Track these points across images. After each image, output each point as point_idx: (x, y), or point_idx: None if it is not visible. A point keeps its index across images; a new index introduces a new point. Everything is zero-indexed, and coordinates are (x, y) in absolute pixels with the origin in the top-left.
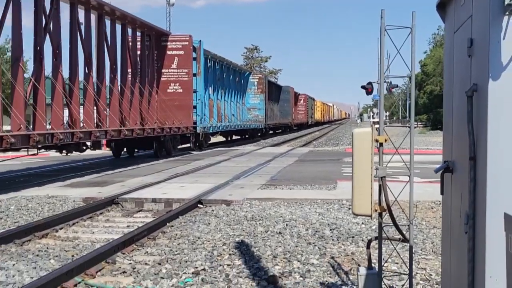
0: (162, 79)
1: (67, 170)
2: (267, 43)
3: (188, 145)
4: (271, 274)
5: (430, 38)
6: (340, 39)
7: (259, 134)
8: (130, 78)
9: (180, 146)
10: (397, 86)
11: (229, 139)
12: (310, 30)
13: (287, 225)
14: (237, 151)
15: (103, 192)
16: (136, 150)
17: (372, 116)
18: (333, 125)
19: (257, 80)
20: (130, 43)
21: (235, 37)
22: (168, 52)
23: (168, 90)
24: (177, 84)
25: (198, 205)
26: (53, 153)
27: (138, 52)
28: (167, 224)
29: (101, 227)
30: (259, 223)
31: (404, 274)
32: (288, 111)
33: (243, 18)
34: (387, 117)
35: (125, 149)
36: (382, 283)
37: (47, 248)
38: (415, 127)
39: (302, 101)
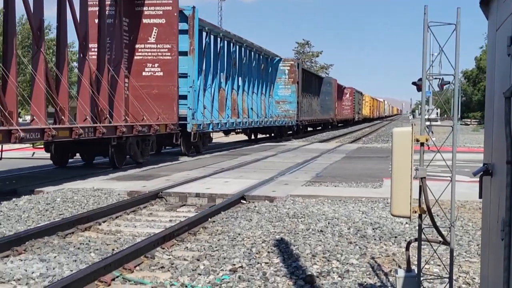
0: (135, 57)
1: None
2: (318, 38)
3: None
4: (309, 273)
5: (485, 33)
6: (394, 34)
7: (290, 132)
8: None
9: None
10: (449, 83)
11: (253, 137)
12: (363, 25)
13: (329, 223)
14: (284, 146)
15: (148, 186)
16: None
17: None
18: (384, 121)
19: (288, 67)
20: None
21: (287, 32)
22: (144, 21)
23: (143, 74)
24: (156, 65)
25: (241, 201)
26: None
27: (96, 20)
28: (209, 219)
29: (143, 221)
30: (301, 221)
31: (445, 277)
32: (330, 105)
33: (295, 13)
34: (438, 114)
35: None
36: (422, 286)
37: (89, 241)
38: (468, 125)
39: (348, 95)
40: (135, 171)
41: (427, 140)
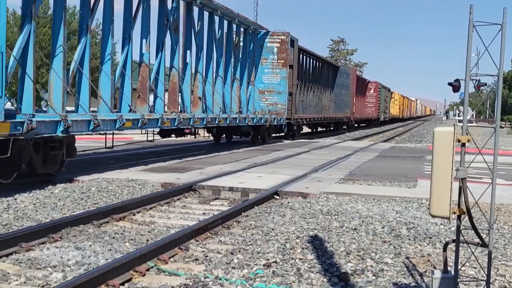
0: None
1: (149, 155)
2: (353, 36)
3: None
4: (343, 271)
5: None
6: (429, 33)
7: (279, 133)
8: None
9: None
10: (485, 84)
11: (239, 138)
12: (399, 24)
13: (363, 221)
14: (317, 143)
15: (182, 178)
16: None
17: (458, 113)
18: (417, 122)
19: (278, 44)
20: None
21: (322, 29)
22: None
23: None
24: None
25: (275, 196)
26: (137, 137)
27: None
28: (242, 213)
29: (177, 213)
30: (335, 218)
31: (482, 280)
32: (347, 101)
33: (331, 10)
34: (473, 116)
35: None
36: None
37: (124, 231)
38: (504, 127)
39: (372, 91)
40: (169, 163)
41: (468, 141)
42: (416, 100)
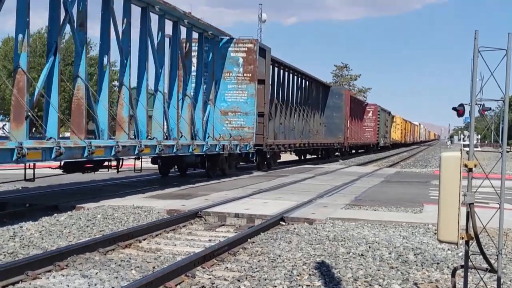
0: None
1: (152, 182)
2: (357, 60)
3: None
4: None
5: None
6: (433, 58)
7: (245, 162)
8: None
9: None
10: (490, 109)
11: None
12: (402, 49)
13: (369, 247)
14: (322, 169)
15: (187, 205)
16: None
17: (463, 138)
18: (422, 146)
19: (244, 54)
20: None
21: (326, 55)
22: None
23: None
24: None
25: (281, 222)
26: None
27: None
28: (248, 240)
29: (183, 239)
30: (341, 244)
31: None
32: (339, 124)
33: (334, 36)
34: (479, 140)
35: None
36: None
37: (130, 258)
38: (508, 152)
39: (370, 114)
40: (174, 189)
41: (475, 166)
42: (420, 124)
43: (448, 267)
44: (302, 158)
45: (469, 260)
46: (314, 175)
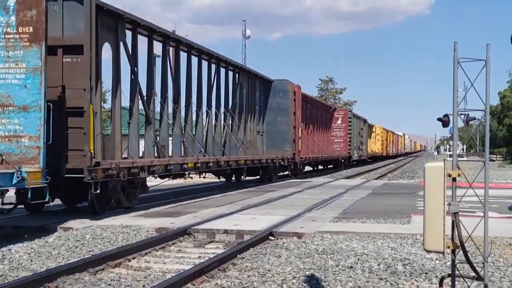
0: None
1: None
2: (342, 74)
3: None
4: None
5: (510, 69)
6: (419, 70)
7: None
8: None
9: None
10: (474, 118)
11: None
12: (388, 62)
13: (358, 259)
14: (310, 183)
15: (176, 222)
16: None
17: (449, 148)
18: (408, 158)
19: None
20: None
21: (310, 69)
22: None
23: None
24: None
25: (270, 237)
26: None
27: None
28: (238, 255)
29: (173, 257)
30: (330, 257)
31: None
32: (285, 133)
33: (319, 49)
34: (464, 150)
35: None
36: None
37: (119, 277)
38: (494, 160)
39: (339, 122)
40: (162, 208)
41: (459, 175)
42: (404, 135)
43: (436, 276)
44: (238, 178)
45: (456, 269)
46: (302, 189)
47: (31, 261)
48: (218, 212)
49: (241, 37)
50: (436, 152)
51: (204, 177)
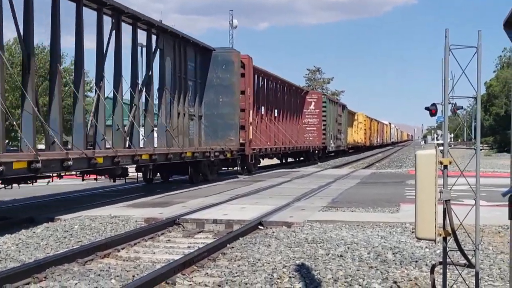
0: None
1: (129, 191)
2: (330, 64)
3: None
4: None
5: (496, 59)
6: (407, 60)
7: None
8: None
9: None
10: (462, 107)
11: None
12: (376, 52)
13: (348, 248)
14: (298, 172)
15: (165, 212)
16: None
17: (436, 138)
18: (396, 147)
19: None
20: None
21: (298, 59)
22: None
23: None
24: None
25: (259, 227)
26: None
27: None
28: (228, 245)
29: (162, 247)
30: (320, 246)
31: None
32: (230, 117)
33: (306, 40)
34: (452, 139)
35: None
36: None
37: (109, 267)
38: (482, 149)
39: (312, 107)
40: (150, 198)
41: (450, 163)
42: (390, 124)
43: (426, 264)
44: (146, 180)
45: (447, 257)
46: (291, 178)
47: (19, 251)
48: (206, 202)
49: (228, 27)
50: (423, 141)
51: (95, 179)
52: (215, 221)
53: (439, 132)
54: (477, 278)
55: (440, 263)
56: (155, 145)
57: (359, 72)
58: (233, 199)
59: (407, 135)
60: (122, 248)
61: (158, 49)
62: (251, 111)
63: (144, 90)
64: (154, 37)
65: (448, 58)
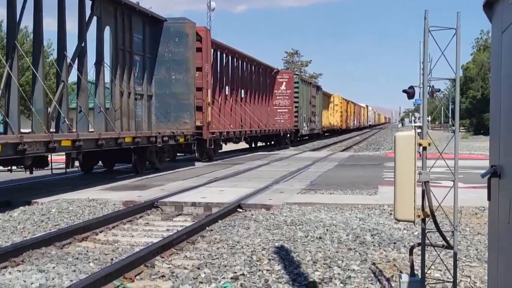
0: None
1: (107, 174)
2: (308, 47)
3: None
4: (311, 280)
5: (473, 42)
6: (385, 43)
7: None
8: None
9: None
10: (439, 90)
11: None
12: (353, 34)
13: (327, 230)
14: (277, 155)
15: (143, 195)
16: None
17: (414, 120)
18: (374, 130)
19: None
20: None
21: (276, 42)
22: None
23: None
24: None
25: (238, 209)
26: None
27: None
28: (206, 228)
29: (140, 230)
30: (299, 228)
31: (448, 281)
32: (184, 97)
33: (284, 23)
34: (429, 122)
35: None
36: None
37: (87, 251)
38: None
39: (283, 87)
40: (129, 181)
41: (429, 145)
42: (367, 106)
43: (404, 246)
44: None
45: (426, 238)
46: (269, 161)
47: None
48: (185, 185)
49: (206, 10)
50: (401, 124)
51: (9, 171)
52: (193, 204)
53: (416, 114)
54: (455, 259)
55: (419, 244)
56: (91, 130)
57: (338, 56)
58: (212, 182)
59: (385, 117)
60: (100, 232)
61: (95, 17)
62: (209, 90)
63: (75, 64)
64: (89, 3)
65: (428, 40)
